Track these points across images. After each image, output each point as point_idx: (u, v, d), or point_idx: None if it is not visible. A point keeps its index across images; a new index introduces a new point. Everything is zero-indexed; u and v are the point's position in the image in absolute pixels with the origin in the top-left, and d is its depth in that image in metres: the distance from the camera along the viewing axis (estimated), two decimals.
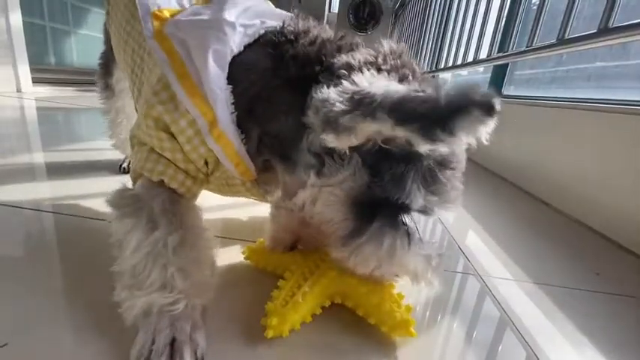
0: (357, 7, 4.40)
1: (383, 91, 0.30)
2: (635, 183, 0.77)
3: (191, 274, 0.36)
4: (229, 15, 0.41)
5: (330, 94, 0.32)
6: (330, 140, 0.32)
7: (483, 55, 1.76)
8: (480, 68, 2.07)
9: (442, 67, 2.41)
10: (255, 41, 0.42)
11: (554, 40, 1.06)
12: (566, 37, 1.02)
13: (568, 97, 1.27)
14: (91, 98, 2.40)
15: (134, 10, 0.43)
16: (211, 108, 0.39)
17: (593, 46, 0.91)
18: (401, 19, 4.25)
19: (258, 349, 0.36)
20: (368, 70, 0.36)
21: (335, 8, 4.71)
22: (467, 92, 0.26)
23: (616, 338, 0.47)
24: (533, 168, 1.16)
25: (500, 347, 0.43)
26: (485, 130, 0.27)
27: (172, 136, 0.41)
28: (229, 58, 0.40)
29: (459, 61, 2.10)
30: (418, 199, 0.35)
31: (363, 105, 0.29)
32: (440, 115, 0.26)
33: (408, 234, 0.36)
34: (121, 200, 0.40)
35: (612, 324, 0.51)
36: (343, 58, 0.39)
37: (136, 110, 0.54)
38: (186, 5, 0.45)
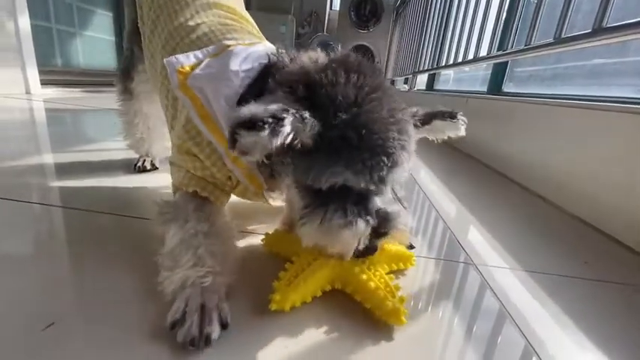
0: (359, 4, 4.42)
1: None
2: (628, 179, 0.79)
3: (217, 256, 0.44)
4: (233, 65, 0.51)
5: None
6: None
7: (484, 52, 1.79)
8: (483, 65, 2.09)
9: (443, 64, 2.44)
10: (255, 80, 0.51)
11: (551, 39, 1.08)
12: (563, 36, 1.04)
13: (565, 94, 1.29)
14: (98, 99, 2.45)
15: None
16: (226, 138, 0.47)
17: (588, 45, 0.93)
18: (402, 16, 4.26)
19: (265, 319, 0.43)
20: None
21: (337, 6, 4.73)
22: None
23: (607, 322, 0.50)
24: (531, 164, 1.18)
25: (499, 339, 0.45)
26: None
27: (200, 160, 0.53)
28: (237, 98, 0.49)
29: (460, 59, 2.12)
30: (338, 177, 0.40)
31: None
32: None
33: (355, 217, 0.40)
34: (164, 207, 0.51)
35: (597, 309, 0.54)
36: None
37: (170, 133, 0.66)
38: (201, 57, 0.55)
